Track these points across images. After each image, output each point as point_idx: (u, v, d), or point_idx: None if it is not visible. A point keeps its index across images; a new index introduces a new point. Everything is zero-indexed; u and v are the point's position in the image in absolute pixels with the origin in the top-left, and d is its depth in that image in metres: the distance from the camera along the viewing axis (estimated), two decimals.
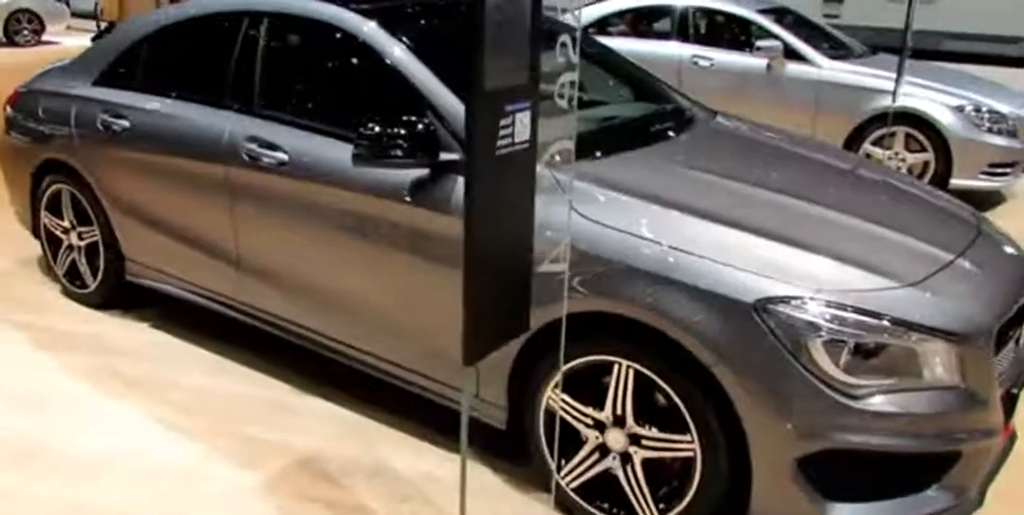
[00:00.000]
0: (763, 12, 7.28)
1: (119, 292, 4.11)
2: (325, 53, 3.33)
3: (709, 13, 7.62)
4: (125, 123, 3.72)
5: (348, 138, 2.85)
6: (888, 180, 3.30)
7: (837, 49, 7.17)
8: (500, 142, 1.79)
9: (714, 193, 2.77)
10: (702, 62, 7.23)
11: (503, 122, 1.77)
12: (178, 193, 3.59)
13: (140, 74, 3.82)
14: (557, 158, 2.22)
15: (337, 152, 2.95)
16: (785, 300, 2.24)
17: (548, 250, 2.30)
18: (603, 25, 7.92)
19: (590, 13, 7.82)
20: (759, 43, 6.86)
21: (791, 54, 6.86)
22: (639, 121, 3.42)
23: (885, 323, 2.24)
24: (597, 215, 2.53)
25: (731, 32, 7.54)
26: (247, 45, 3.38)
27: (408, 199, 2.79)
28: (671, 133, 3.27)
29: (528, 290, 2.12)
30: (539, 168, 2.49)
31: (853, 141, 6.45)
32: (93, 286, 4.16)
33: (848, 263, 2.39)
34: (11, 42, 15.07)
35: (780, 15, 7.40)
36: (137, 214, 3.81)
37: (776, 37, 6.94)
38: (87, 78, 4.00)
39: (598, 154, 2.88)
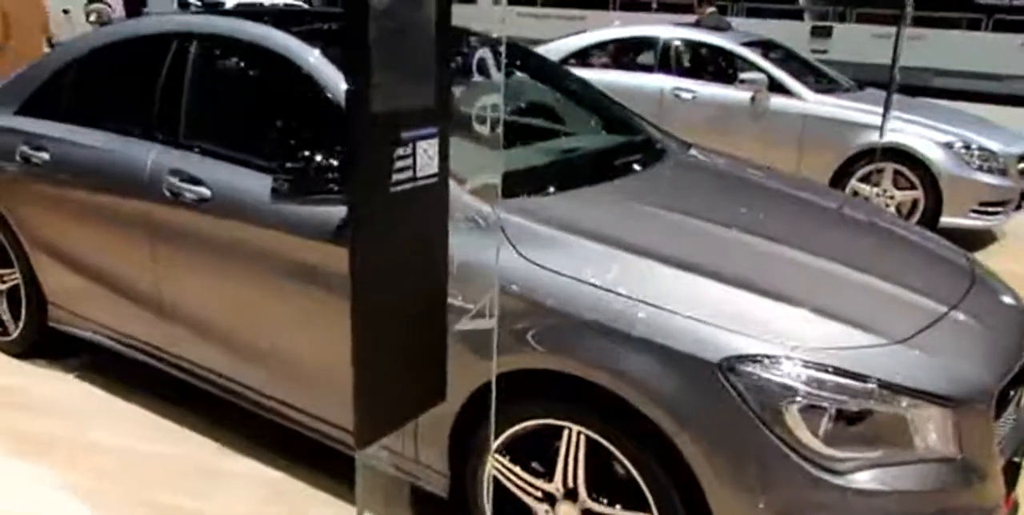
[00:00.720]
0: (748, 45, 7.07)
1: (44, 340, 3.78)
2: (260, 81, 3.04)
3: (692, 45, 7.40)
4: (45, 155, 3.42)
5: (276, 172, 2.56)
6: (876, 221, 3.01)
7: (823, 83, 6.96)
8: (396, 176, 1.48)
9: (681, 235, 2.47)
10: (684, 94, 7.00)
11: (399, 152, 1.47)
12: (100, 232, 3.28)
13: (64, 102, 3.53)
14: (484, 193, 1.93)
15: (263, 188, 2.65)
16: (756, 359, 1.94)
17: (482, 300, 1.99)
18: (584, 57, 7.71)
19: (571, 44, 7.61)
20: (743, 75, 6.64)
21: (776, 87, 6.64)
22: (602, 153, 3.13)
23: (871, 386, 1.93)
24: (545, 259, 2.22)
25: (715, 65, 7.32)
26: (174, 71, 3.09)
27: (336, 239, 2.49)
28: (637, 167, 2.99)
29: (443, 352, 1.81)
30: (477, 204, 2.20)
31: (840, 177, 6.19)
32: (15, 333, 3.82)
33: (829, 316, 2.08)
34: None
35: (765, 48, 7.19)
36: (59, 255, 3.49)
37: (760, 70, 6.71)
38: (10, 106, 3.71)
39: (551, 189, 2.59)
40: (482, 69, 1.52)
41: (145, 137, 3.13)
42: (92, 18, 20.45)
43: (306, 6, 20.73)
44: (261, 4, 19.65)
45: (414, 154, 1.49)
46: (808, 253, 2.42)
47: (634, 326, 2.03)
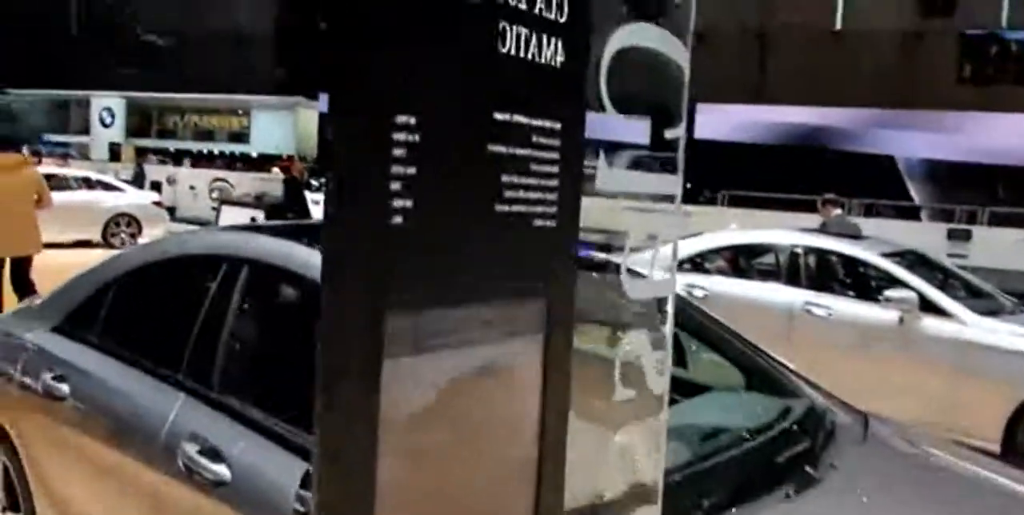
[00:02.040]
0: (889, 255, 6.26)
1: None
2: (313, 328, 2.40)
3: (822, 253, 6.65)
4: (66, 389, 2.83)
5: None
6: None
7: (982, 302, 6.04)
8: None
9: None
10: (817, 311, 6.15)
11: None
12: (108, 495, 2.61)
13: (101, 325, 2.98)
14: None
15: (295, 480, 1.93)
16: None
17: None
18: (697, 262, 7.04)
19: (683, 250, 6.97)
20: (889, 293, 5.79)
21: (928, 306, 5.74)
22: (758, 438, 2.30)
23: None
24: None
25: (851, 277, 6.53)
26: (217, 303, 2.50)
27: None
28: (808, 468, 2.15)
29: None
30: None
31: (1018, 420, 5.14)
32: None
33: None
34: (107, 243, 15.29)
35: (909, 259, 6.37)
36: (64, 508, 2.83)
37: (908, 286, 5.86)
38: (50, 320, 3.20)
39: None
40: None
41: (173, 383, 2.50)
42: (214, 195, 21.39)
43: None
44: None
45: None
46: None
47: None
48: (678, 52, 1.19)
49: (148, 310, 2.90)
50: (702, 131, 19.19)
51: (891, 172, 21.70)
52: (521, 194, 0.88)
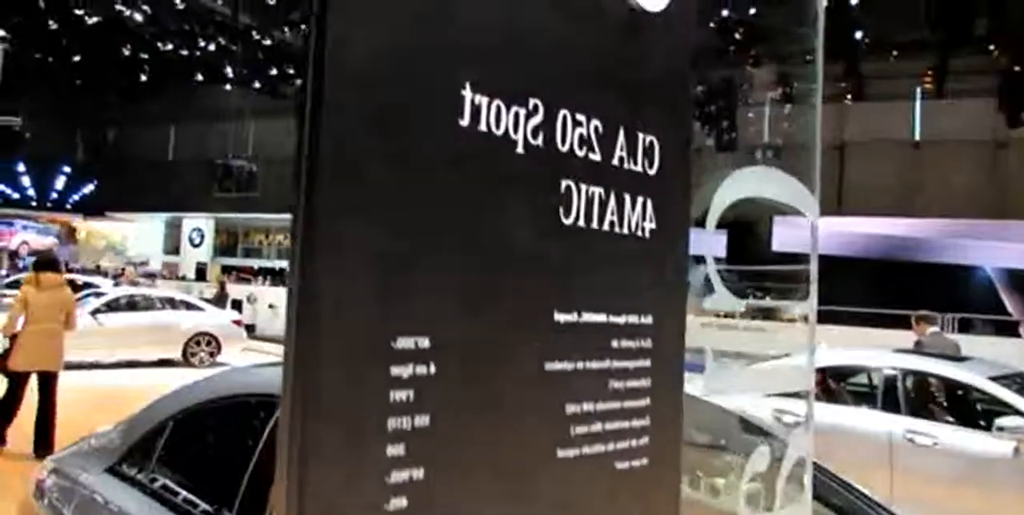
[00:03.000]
0: (997, 379, 5.80)
1: None
2: None
3: (921, 376, 6.21)
4: None
5: None
6: None
7: None
8: None
9: None
10: (920, 439, 5.67)
11: None
12: None
13: (151, 468, 2.84)
14: None
15: None
16: None
17: None
18: None
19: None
20: (1001, 422, 5.32)
21: None
22: None
23: None
24: None
25: (955, 402, 6.05)
26: (270, 447, 2.33)
27: None
28: None
29: None
30: None
31: None
32: None
33: None
34: (187, 362, 15.46)
35: (1019, 382, 5.89)
36: None
37: (1021, 413, 5.39)
38: (106, 460, 3.07)
39: None
40: None
41: None
42: None
43: None
44: None
45: None
46: None
47: None
48: (806, 203, 1.00)
49: (199, 454, 2.75)
50: (781, 244, 18.80)
51: (984, 284, 20.76)
52: (596, 428, 0.59)
